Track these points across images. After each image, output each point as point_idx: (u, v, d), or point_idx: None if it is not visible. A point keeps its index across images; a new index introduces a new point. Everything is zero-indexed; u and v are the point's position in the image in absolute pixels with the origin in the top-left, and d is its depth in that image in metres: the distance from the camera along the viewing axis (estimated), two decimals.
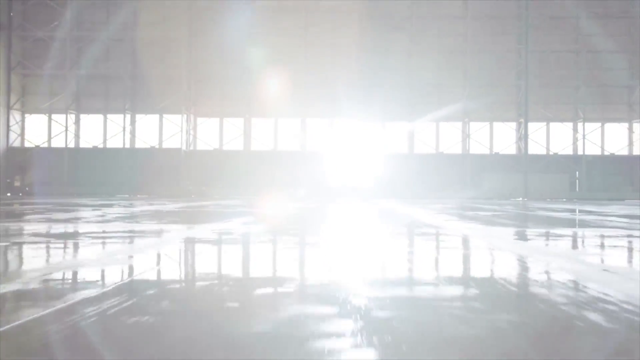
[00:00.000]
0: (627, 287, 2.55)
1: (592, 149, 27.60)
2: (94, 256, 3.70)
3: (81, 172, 26.64)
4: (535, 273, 3.20)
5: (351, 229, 6.96)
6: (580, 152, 27.51)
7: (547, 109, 27.52)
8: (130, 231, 5.74)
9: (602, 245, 4.82)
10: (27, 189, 26.13)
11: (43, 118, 27.11)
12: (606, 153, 27.68)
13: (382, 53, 27.58)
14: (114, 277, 2.86)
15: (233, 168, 26.71)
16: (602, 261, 3.70)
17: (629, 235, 5.66)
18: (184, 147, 26.51)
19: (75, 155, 26.71)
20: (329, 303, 2.13)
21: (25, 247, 4.19)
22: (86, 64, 26.64)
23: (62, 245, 4.46)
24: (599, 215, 10.06)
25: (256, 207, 12.96)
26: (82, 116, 27.11)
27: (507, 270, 3.27)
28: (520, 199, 26.22)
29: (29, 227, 6.27)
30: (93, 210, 10.57)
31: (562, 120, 27.72)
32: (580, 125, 27.52)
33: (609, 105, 27.49)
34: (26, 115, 27.17)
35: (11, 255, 3.79)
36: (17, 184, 26.62)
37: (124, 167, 26.31)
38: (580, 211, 12.16)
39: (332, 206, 13.92)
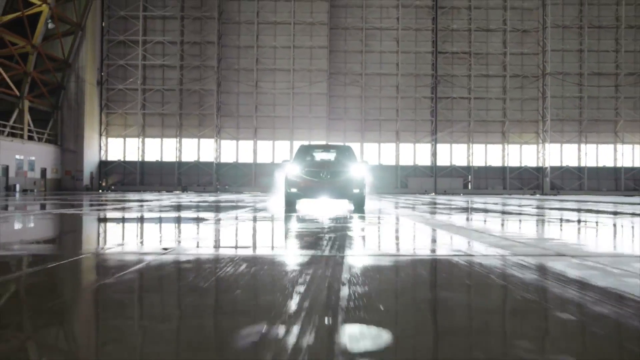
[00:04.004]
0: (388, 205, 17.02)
1: (479, 162, 42.38)
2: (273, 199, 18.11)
3: (146, 176, 40.98)
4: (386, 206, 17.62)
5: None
6: (471, 164, 42.26)
7: (450, 135, 42.19)
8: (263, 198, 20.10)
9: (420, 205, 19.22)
10: (112, 187, 40.40)
11: (120, 141, 41.34)
12: (488, 165, 42.47)
13: (343, 98, 42.13)
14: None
15: (245, 174, 41.19)
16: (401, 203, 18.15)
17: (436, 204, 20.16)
18: (214, 161, 40.94)
19: (143, 166, 41.02)
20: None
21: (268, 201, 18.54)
22: (149, 106, 41.01)
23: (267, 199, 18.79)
24: (448, 200, 24.58)
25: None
26: (146, 140, 41.39)
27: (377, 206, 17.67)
28: (433, 194, 40.82)
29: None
30: (203, 196, 24.84)
31: (460, 142, 42.41)
32: (471, 146, 42.25)
33: (490, 134, 42.25)
34: (109, 139, 41.38)
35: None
36: (103, 184, 40.81)
37: (175, 174, 40.72)
38: (441, 198, 26.64)
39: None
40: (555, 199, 24.31)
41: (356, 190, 9.92)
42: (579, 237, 5.26)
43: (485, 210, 10.42)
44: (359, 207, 10.16)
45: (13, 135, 32.22)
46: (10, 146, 31.20)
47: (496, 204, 15.56)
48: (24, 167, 32.61)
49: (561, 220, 7.69)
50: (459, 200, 20.45)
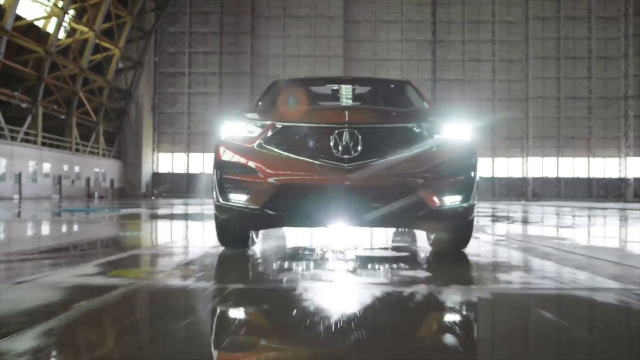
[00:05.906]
0: None
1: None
2: None
3: (191, 186, 48.92)
4: None
5: None
6: None
7: None
8: None
9: None
10: (163, 194, 48.36)
11: (169, 156, 49.39)
12: (479, 175, 49.49)
13: None
14: None
15: None
16: None
17: None
18: None
19: (188, 177, 48.97)
20: None
21: None
22: (193, 127, 49.04)
23: None
24: None
25: None
26: (191, 155, 49.37)
27: None
28: None
29: None
30: None
31: None
32: None
33: (481, 149, 49.39)
34: (160, 154, 49.43)
35: None
36: (155, 192, 48.79)
37: None
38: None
39: None
40: (537, 204, 31.37)
41: (454, 199, 3.21)
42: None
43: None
44: (458, 245, 3.82)
45: (92, 153, 40.35)
46: (91, 162, 39.32)
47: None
48: (99, 178, 40.70)
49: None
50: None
